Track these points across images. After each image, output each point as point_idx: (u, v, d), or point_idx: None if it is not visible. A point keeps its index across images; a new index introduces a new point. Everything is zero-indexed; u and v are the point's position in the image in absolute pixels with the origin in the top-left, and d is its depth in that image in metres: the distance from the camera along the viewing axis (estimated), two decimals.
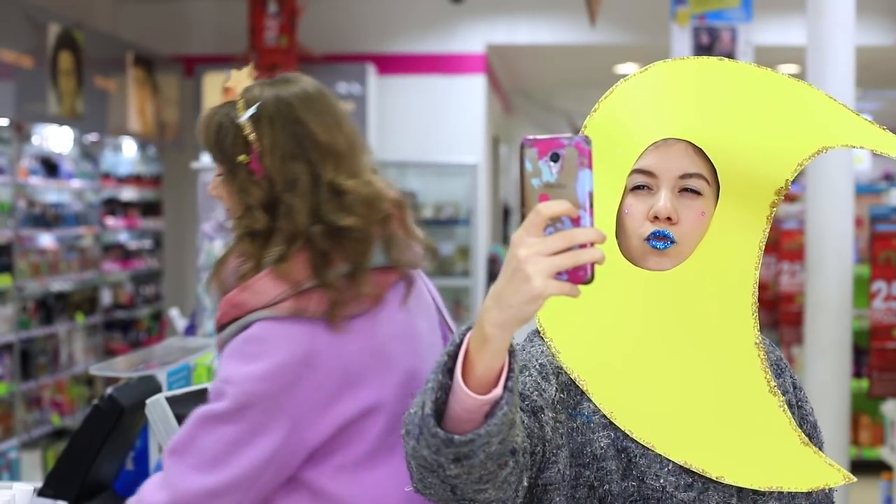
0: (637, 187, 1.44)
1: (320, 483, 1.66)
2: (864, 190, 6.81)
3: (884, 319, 4.92)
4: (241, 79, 1.79)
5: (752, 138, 1.44)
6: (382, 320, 1.71)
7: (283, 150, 1.69)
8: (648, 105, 1.47)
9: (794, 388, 1.54)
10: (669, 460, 1.39)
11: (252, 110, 1.71)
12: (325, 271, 1.65)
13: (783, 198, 1.44)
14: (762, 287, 8.39)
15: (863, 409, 6.92)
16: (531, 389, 1.41)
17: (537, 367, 1.45)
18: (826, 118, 1.45)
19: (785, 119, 1.45)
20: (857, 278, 5.65)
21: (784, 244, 7.49)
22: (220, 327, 1.72)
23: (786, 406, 1.43)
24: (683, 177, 1.43)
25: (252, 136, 1.69)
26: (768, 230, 1.45)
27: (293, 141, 1.70)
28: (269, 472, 1.63)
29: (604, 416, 1.42)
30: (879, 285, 4.97)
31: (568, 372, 1.42)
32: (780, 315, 7.52)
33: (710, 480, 1.38)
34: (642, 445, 1.39)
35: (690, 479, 1.38)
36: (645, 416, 1.40)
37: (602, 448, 1.40)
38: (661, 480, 1.38)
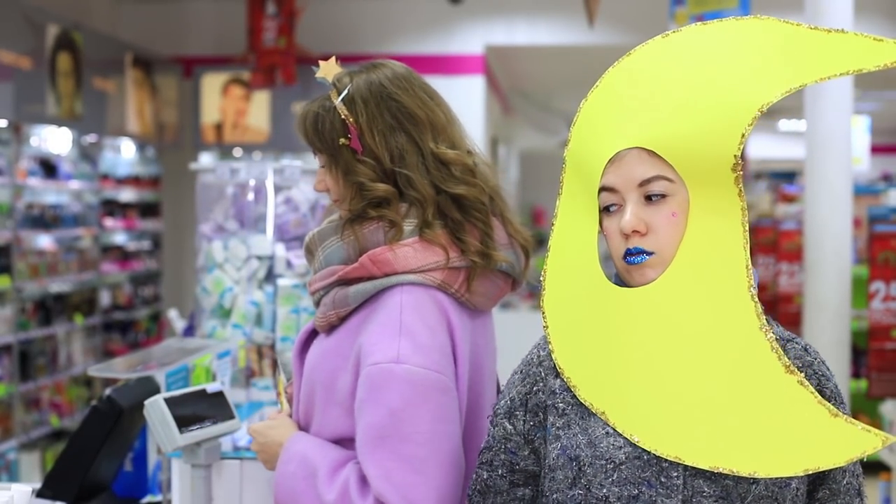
0: (608, 207, 1.42)
1: None
2: (862, 190, 6.81)
3: (882, 320, 4.92)
4: (330, 68, 1.82)
5: (691, 121, 1.38)
6: (480, 325, 1.80)
7: (381, 125, 1.73)
8: (602, 119, 1.45)
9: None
10: (615, 471, 1.38)
11: (344, 93, 1.75)
12: (467, 240, 1.71)
13: (742, 172, 1.38)
14: (761, 288, 8.40)
15: (862, 410, 6.92)
16: (505, 456, 1.50)
17: (505, 411, 1.51)
18: (763, 63, 1.39)
19: (716, 87, 1.39)
20: (856, 279, 5.66)
21: (783, 245, 7.49)
22: (346, 282, 1.74)
23: (806, 381, 1.36)
24: (643, 184, 1.39)
25: (350, 119, 1.74)
26: (746, 207, 1.41)
27: (389, 116, 1.74)
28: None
29: (559, 427, 1.44)
30: (878, 286, 4.97)
31: (589, 406, 1.42)
32: (778, 316, 7.52)
33: (658, 494, 1.37)
34: (592, 454, 1.39)
35: (636, 491, 1.37)
36: (666, 431, 1.38)
37: (554, 458, 1.43)
38: (605, 490, 1.37)
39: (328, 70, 1.81)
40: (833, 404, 1.41)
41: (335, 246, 1.77)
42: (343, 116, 1.74)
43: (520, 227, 1.85)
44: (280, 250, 3.03)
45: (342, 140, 1.74)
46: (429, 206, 1.71)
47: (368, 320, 1.70)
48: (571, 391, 1.45)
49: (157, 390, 2.39)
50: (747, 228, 1.40)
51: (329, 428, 1.74)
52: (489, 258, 1.74)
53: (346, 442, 1.71)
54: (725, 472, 1.35)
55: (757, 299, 1.39)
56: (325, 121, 1.76)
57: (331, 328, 1.77)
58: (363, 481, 1.61)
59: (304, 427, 1.82)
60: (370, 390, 1.61)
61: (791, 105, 13.95)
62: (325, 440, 1.74)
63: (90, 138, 7.57)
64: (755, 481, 1.37)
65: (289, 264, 3.04)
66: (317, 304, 1.82)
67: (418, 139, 1.74)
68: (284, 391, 1.96)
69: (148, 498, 2.61)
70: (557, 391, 1.46)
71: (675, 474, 1.37)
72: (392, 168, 1.73)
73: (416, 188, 1.71)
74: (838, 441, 1.35)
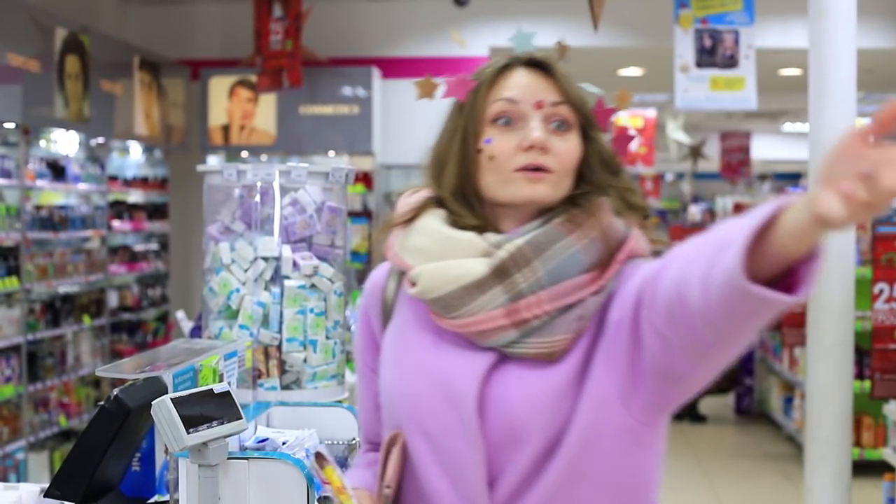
0: None
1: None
2: None
3: (886, 321, 4.94)
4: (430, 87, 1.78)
5: None
6: None
7: None
8: None
9: None
10: None
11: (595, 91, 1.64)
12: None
13: None
14: None
15: (865, 411, 6.93)
16: None
17: None
18: None
19: None
20: (860, 280, 5.66)
21: None
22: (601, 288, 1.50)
23: None
24: None
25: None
26: None
27: None
28: None
29: None
30: (881, 287, 4.98)
31: None
32: (782, 316, 7.52)
33: None
34: None
35: None
36: None
37: None
38: None
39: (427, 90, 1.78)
40: None
41: (574, 251, 1.48)
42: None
43: None
44: (286, 252, 3.06)
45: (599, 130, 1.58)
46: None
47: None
48: None
49: (164, 391, 2.42)
50: None
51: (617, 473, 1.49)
52: None
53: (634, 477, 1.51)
54: None
55: None
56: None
57: (562, 352, 1.48)
58: None
59: None
60: None
61: (795, 107, 13.96)
62: None
63: (98, 140, 7.61)
64: None
65: (295, 265, 3.06)
66: (527, 333, 1.48)
67: None
68: (351, 489, 1.55)
69: (155, 497, 2.63)
70: None
71: None
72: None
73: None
74: None
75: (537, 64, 1.59)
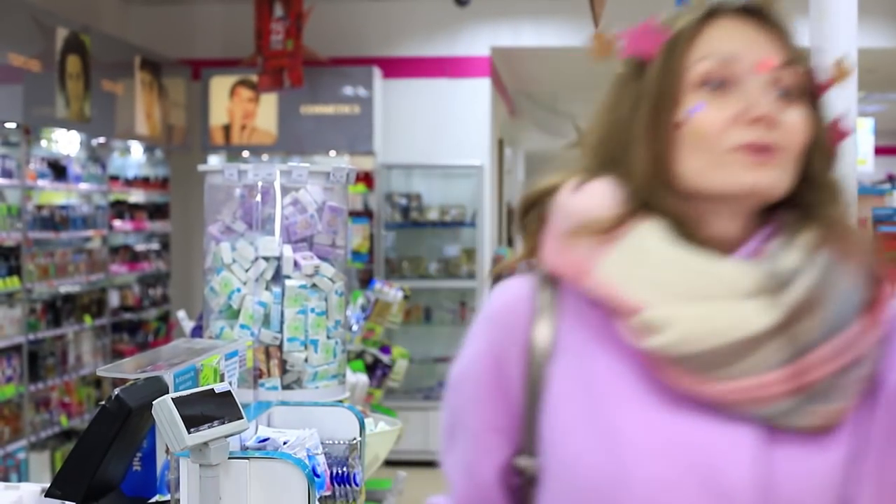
0: None
1: None
2: (866, 191, 6.80)
3: None
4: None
5: None
6: None
7: None
8: None
9: None
10: None
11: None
12: None
13: None
14: None
15: None
16: None
17: None
18: None
19: None
20: None
21: None
22: None
23: None
24: None
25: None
26: None
27: None
28: None
29: None
30: None
31: None
32: None
33: None
34: None
35: None
36: None
37: None
38: None
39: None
40: None
41: (848, 288, 1.12)
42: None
43: None
44: (287, 251, 3.06)
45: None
46: None
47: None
48: None
49: (165, 390, 2.42)
50: None
51: None
52: None
53: None
54: None
55: None
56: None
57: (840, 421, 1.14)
58: None
59: None
60: None
61: None
62: None
63: (99, 140, 7.61)
64: None
65: (296, 265, 3.06)
66: (808, 399, 1.11)
67: None
68: None
69: (156, 497, 2.63)
70: None
71: None
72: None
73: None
74: None
75: (756, 12, 1.17)
